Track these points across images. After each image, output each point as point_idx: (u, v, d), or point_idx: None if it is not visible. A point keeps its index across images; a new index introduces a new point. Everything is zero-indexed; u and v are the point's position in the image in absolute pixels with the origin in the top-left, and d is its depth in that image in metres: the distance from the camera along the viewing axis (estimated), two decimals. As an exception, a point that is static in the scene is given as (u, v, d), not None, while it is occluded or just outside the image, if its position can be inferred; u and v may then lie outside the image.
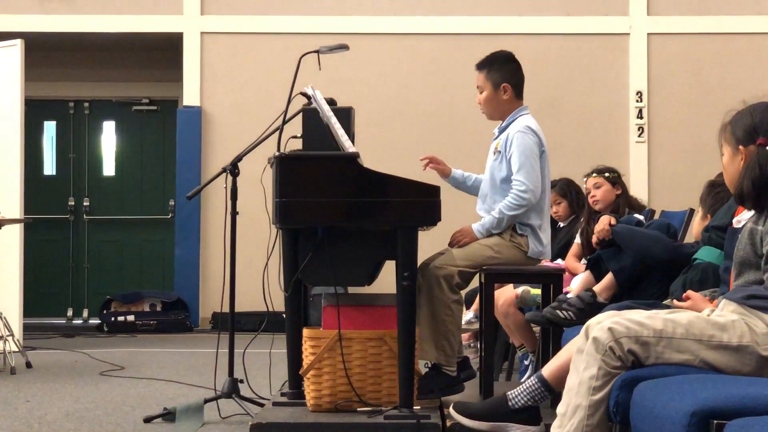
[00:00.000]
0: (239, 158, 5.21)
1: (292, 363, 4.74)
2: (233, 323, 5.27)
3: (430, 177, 5.06)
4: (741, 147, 3.28)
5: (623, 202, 6.05)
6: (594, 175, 6.14)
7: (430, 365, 4.85)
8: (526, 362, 6.01)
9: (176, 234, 10.85)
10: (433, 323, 4.75)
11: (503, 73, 5.11)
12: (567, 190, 6.59)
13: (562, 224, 6.62)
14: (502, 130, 5.11)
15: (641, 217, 5.51)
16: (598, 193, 6.07)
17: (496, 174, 5.02)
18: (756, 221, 3.22)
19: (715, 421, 2.53)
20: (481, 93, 5.15)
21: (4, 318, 7.15)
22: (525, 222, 4.97)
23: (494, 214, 4.92)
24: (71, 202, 12.01)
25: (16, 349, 7.22)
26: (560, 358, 3.64)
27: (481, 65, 5.17)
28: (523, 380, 5.43)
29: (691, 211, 5.52)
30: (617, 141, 10.64)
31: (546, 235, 5.05)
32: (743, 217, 3.63)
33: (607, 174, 6.08)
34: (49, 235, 11.75)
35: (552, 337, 4.91)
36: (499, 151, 5.03)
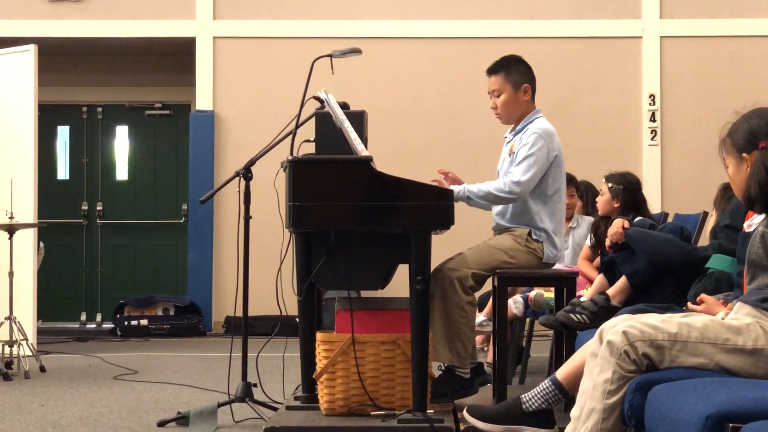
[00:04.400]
0: (252, 162, 5.20)
1: (306, 367, 4.74)
2: (246, 327, 5.26)
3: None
4: (744, 154, 3.29)
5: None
6: (604, 180, 6.08)
7: (443, 367, 4.85)
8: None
9: (189, 238, 10.85)
10: (446, 324, 4.74)
11: (521, 74, 5.09)
12: (585, 192, 6.68)
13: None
14: (516, 133, 5.09)
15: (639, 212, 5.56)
16: (599, 200, 6.06)
17: (511, 176, 5.00)
18: (767, 224, 3.21)
19: (731, 425, 2.53)
20: (498, 96, 5.10)
21: (18, 322, 7.16)
22: (540, 226, 4.96)
23: (482, 188, 4.88)
24: (84, 207, 12.03)
25: (30, 354, 7.24)
26: (574, 362, 3.64)
27: (496, 68, 5.11)
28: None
29: (705, 214, 5.50)
30: (630, 144, 10.62)
31: (560, 239, 5.05)
32: (754, 221, 3.63)
33: (611, 185, 5.98)
34: (62, 240, 11.76)
35: (566, 341, 4.91)
36: (515, 153, 5.00)
